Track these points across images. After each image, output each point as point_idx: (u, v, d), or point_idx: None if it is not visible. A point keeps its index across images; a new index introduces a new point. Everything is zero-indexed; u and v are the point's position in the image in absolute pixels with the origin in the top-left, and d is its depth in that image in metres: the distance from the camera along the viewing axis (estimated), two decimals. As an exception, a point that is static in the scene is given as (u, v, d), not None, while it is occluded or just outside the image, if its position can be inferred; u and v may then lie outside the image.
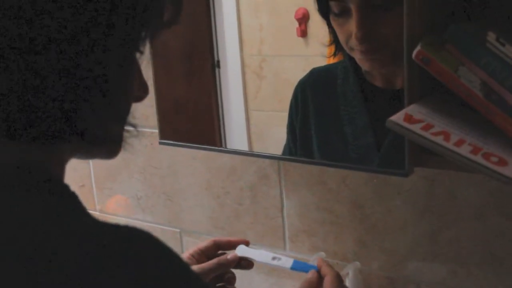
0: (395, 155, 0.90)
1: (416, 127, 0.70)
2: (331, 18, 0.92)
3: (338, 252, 1.11)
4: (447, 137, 0.70)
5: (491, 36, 0.70)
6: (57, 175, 0.51)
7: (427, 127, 0.71)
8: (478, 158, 0.67)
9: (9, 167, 0.47)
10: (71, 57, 0.45)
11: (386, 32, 0.86)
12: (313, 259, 1.05)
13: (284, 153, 1.06)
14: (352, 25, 0.87)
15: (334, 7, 0.90)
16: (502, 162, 0.67)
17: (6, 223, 0.43)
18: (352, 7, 0.86)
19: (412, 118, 0.71)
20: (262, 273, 1.22)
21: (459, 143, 0.69)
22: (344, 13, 0.88)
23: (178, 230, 1.32)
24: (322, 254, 1.06)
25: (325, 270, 0.91)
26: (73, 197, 0.48)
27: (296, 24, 0.99)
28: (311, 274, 0.92)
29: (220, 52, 1.11)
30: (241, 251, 0.99)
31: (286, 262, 0.98)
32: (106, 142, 0.53)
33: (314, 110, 1.02)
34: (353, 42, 0.88)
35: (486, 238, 0.96)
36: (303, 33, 0.99)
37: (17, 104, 0.45)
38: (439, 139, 0.69)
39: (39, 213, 0.45)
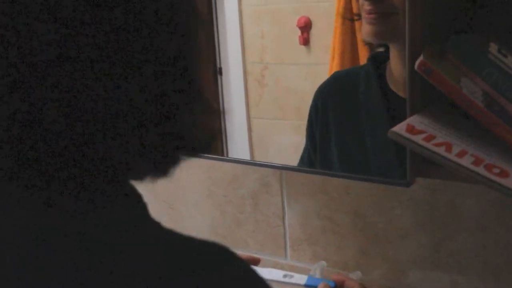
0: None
1: (418, 138, 0.70)
2: None
3: (339, 261, 1.11)
4: (449, 148, 0.70)
5: (493, 47, 0.71)
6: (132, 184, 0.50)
7: (429, 138, 0.71)
8: (480, 170, 0.67)
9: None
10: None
11: (396, 5, 0.83)
12: (315, 268, 1.05)
13: (302, 159, 1.04)
14: None
15: None
16: (504, 174, 0.67)
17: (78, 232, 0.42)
18: None
19: (414, 129, 0.72)
20: None
21: (461, 154, 0.69)
22: None
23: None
24: (323, 263, 1.06)
25: (350, 283, 0.89)
26: (145, 206, 0.48)
27: (298, 32, 0.99)
28: (322, 286, 0.90)
29: (222, 59, 1.11)
30: None
31: (300, 279, 0.96)
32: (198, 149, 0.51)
33: (334, 118, 0.99)
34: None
35: (487, 249, 0.96)
36: (305, 41, 0.99)
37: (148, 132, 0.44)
38: (441, 150, 0.69)
39: (116, 224, 0.44)
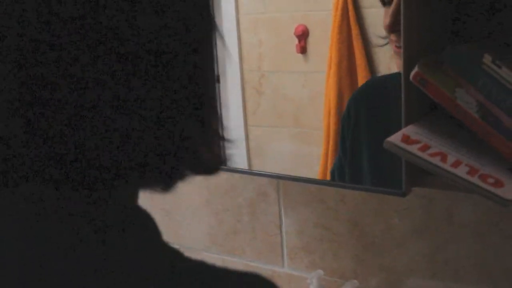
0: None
1: (413, 148, 0.71)
2: (384, 8, 0.89)
3: (336, 270, 1.12)
4: (444, 158, 0.70)
5: (487, 58, 0.71)
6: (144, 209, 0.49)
7: (424, 148, 0.71)
8: (475, 179, 0.68)
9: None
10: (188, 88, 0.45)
11: None
12: (312, 277, 1.05)
13: (334, 166, 1.02)
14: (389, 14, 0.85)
15: None
16: (498, 184, 0.67)
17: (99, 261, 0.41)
18: None
19: (410, 139, 0.72)
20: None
21: (456, 164, 0.70)
22: (389, 2, 0.86)
23: (177, 247, 1.32)
24: (320, 272, 1.06)
25: None
26: (158, 232, 0.47)
27: (296, 41, 1.00)
28: None
29: (220, 67, 1.11)
30: None
31: None
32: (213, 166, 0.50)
33: (366, 126, 0.97)
34: (385, 30, 0.87)
35: (483, 257, 0.97)
36: (303, 50, 1.00)
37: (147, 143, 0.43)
38: (436, 160, 0.70)
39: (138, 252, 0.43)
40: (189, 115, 0.45)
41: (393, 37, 0.87)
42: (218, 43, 0.56)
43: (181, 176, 0.48)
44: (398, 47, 0.86)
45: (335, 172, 1.02)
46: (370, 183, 0.97)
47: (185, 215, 1.30)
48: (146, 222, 0.47)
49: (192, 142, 0.46)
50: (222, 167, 1.13)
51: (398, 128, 0.90)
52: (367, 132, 0.97)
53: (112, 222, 0.43)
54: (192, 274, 0.43)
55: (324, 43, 0.95)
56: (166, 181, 0.47)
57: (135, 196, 0.48)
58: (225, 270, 0.44)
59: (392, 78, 0.93)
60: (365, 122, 0.98)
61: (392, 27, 0.85)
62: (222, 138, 0.50)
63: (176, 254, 0.45)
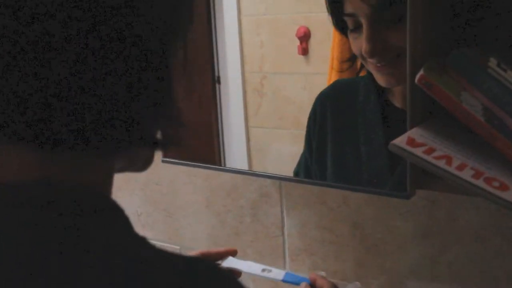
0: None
1: (418, 151, 0.71)
2: (348, 32, 0.91)
3: (338, 272, 1.12)
4: (449, 161, 0.70)
5: (493, 62, 0.71)
6: (110, 194, 0.50)
7: (430, 151, 0.71)
8: (480, 183, 0.68)
9: (67, 188, 0.45)
10: (132, 66, 0.45)
11: (397, 45, 0.85)
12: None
13: (299, 165, 1.05)
14: (363, 39, 0.87)
15: (349, 22, 0.90)
16: (503, 187, 0.67)
17: (63, 249, 0.41)
18: (363, 21, 0.86)
19: (415, 142, 0.72)
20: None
21: (461, 167, 0.70)
22: (357, 28, 0.88)
23: (178, 247, 1.32)
24: (322, 273, 1.06)
25: (321, 281, 0.91)
26: (128, 221, 0.47)
27: (297, 42, 1.00)
28: (303, 286, 0.92)
29: (221, 68, 1.11)
30: (230, 262, 0.99)
31: (278, 274, 0.97)
32: (164, 144, 0.51)
33: (332, 125, 1.00)
34: (364, 54, 0.88)
35: (486, 260, 0.97)
36: (304, 51, 1.00)
37: (75, 114, 0.43)
38: (441, 163, 0.70)
39: (101, 243, 0.43)
40: (143, 95, 0.46)
41: (374, 61, 0.88)
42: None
43: (129, 151, 0.49)
44: (380, 66, 0.88)
45: (299, 173, 1.05)
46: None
47: (187, 216, 1.30)
48: (116, 213, 0.47)
49: (143, 120, 0.47)
50: (224, 167, 1.14)
51: (363, 129, 0.95)
52: (332, 132, 1.00)
53: (80, 210, 0.44)
54: (152, 262, 0.43)
55: (325, 45, 0.95)
56: (110, 153, 0.48)
57: (106, 186, 0.49)
58: (180, 257, 0.45)
59: (359, 80, 0.96)
60: (330, 122, 1.00)
61: (372, 52, 0.86)
62: (174, 122, 0.52)
63: (142, 243, 0.45)
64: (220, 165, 1.16)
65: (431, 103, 0.74)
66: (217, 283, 0.45)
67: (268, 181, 1.15)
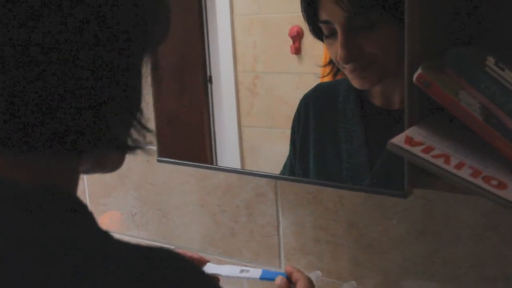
0: (387, 175, 0.92)
1: (417, 150, 0.71)
2: (324, 38, 0.94)
3: (333, 271, 1.12)
4: (447, 159, 0.70)
5: (490, 61, 0.71)
6: (74, 193, 0.51)
7: (428, 150, 0.71)
8: (479, 181, 0.68)
9: (30, 187, 0.46)
10: (92, 66, 0.46)
11: (371, 51, 0.89)
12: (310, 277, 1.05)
13: (285, 166, 1.07)
14: (338, 45, 0.89)
15: (324, 28, 0.92)
16: (502, 186, 0.68)
17: (29, 245, 0.42)
18: (337, 27, 0.89)
19: (413, 141, 0.72)
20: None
21: (459, 166, 0.70)
22: (333, 34, 0.91)
23: (172, 247, 1.32)
24: (318, 273, 1.06)
25: (296, 275, 0.92)
26: (92, 217, 0.48)
27: (290, 42, 1.00)
28: (279, 280, 0.93)
29: (214, 68, 1.11)
30: (209, 268, 1.00)
31: (255, 273, 0.99)
32: (128, 147, 0.53)
33: (314, 125, 1.03)
34: (339, 61, 0.91)
35: (482, 259, 0.97)
36: (297, 51, 1.00)
37: (43, 117, 0.45)
38: (439, 162, 0.70)
39: (65, 238, 0.44)
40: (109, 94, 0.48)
41: (350, 67, 0.91)
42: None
43: (94, 150, 0.50)
44: (354, 70, 0.92)
45: (284, 174, 1.07)
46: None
47: (182, 216, 1.29)
48: (79, 209, 0.48)
49: (107, 120, 0.48)
50: (220, 167, 1.14)
51: (344, 127, 0.99)
52: (314, 133, 1.03)
53: (43, 208, 0.45)
54: (116, 254, 0.45)
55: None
56: (76, 152, 0.49)
57: (70, 185, 0.51)
58: (142, 247, 0.47)
59: (340, 82, 0.99)
60: (313, 123, 1.03)
61: (348, 58, 0.89)
62: (141, 127, 0.53)
63: (105, 237, 0.47)
64: (213, 165, 1.16)
65: (429, 102, 0.74)
66: (178, 270, 0.46)
67: (264, 180, 1.15)
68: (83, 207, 0.48)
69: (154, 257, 0.46)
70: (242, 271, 1.00)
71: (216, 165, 1.16)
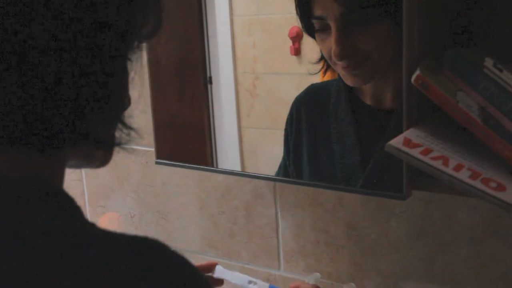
0: (381, 174, 0.91)
1: (415, 152, 0.71)
2: (316, 34, 0.93)
3: (333, 273, 1.11)
4: (446, 161, 0.70)
5: (488, 62, 0.71)
6: (60, 186, 0.52)
7: (426, 152, 0.71)
8: (477, 183, 0.68)
9: (14, 178, 0.47)
10: (73, 64, 0.46)
11: (365, 48, 0.88)
12: (308, 279, 1.05)
13: (279, 167, 1.07)
14: (332, 41, 0.89)
15: (316, 24, 0.92)
16: (500, 188, 0.67)
17: (13, 237, 0.43)
18: (331, 23, 0.88)
19: (411, 142, 0.72)
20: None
21: (458, 167, 0.69)
22: (325, 29, 0.90)
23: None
24: (317, 275, 1.06)
25: (303, 286, 0.93)
26: (78, 209, 0.49)
27: (290, 43, 1.00)
28: None
29: (214, 70, 1.11)
30: (219, 271, 1.00)
31: (262, 286, 1.00)
32: (108, 144, 0.54)
33: (306, 126, 1.02)
34: (333, 57, 0.90)
35: (481, 261, 0.97)
36: (297, 52, 1.00)
37: (23, 111, 0.45)
38: (438, 164, 0.69)
39: (49, 227, 0.45)
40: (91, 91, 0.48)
41: (343, 63, 0.91)
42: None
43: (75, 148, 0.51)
44: (347, 67, 0.91)
45: (279, 176, 1.07)
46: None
47: (180, 218, 1.29)
48: (65, 201, 0.49)
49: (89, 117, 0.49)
50: (218, 169, 1.13)
51: (336, 128, 0.99)
52: (307, 134, 1.03)
53: (27, 200, 0.46)
54: (101, 244, 0.46)
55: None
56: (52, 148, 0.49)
57: (56, 178, 0.51)
58: (118, 235, 0.47)
59: (331, 83, 0.99)
60: (305, 125, 1.03)
61: (342, 54, 0.89)
62: (123, 124, 0.54)
63: (91, 228, 0.47)
64: (213, 167, 1.16)
65: (427, 103, 0.74)
66: (165, 258, 0.47)
67: (262, 182, 1.14)
68: (68, 198, 0.49)
69: (139, 246, 0.46)
70: (250, 282, 1.00)
71: (217, 167, 1.15)
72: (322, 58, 0.95)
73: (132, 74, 0.55)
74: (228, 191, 1.20)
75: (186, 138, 1.20)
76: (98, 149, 0.53)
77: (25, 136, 0.46)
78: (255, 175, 1.09)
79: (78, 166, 0.57)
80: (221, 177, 1.20)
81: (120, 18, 0.49)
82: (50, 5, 0.45)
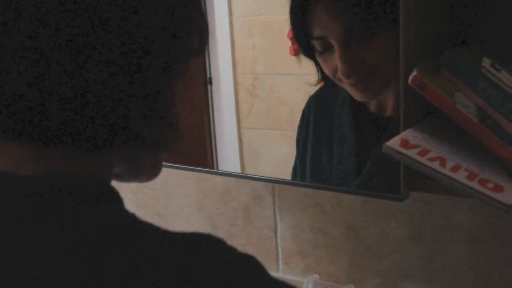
0: (378, 176, 0.91)
1: (412, 153, 0.70)
2: (316, 55, 0.92)
3: (332, 275, 1.11)
4: (443, 162, 0.70)
5: (486, 62, 0.71)
6: (107, 182, 0.53)
7: (424, 153, 0.71)
8: (475, 184, 0.67)
9: (71, 176, 0.47)
10: (124, 66, 0.47)
11: (371, 62, 0.86)
12: (308, 281, 1.05)
13: (293, 169, 1.06)
14: (336, 59, 0.87)
15: (317, 45, 0.90)
16: (498, 188, 0.67)
17: (72, 234, 0.43)
18: (334, 42, 0.87)
19: (408, 144, 0.71)
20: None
21: (455, 168, 0.69)
22: (327, 49, 0.89)
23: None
24: (316, 276, 1.05)
25: None
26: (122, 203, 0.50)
27: (289, 43, 0.99)
28: None
29: (213, 70, 1.11)
30: None
31: None
32: (156, 146, 0.54)
33: (313, 128, 1.02)
34: (340, 76, 0.89)
35: (480, 262, 0.96)
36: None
37: (74, 112, 0.46)
38: (435, 165, 0.69)
39: (108, 225, 0.45)
40: (137, 97, 0.49)
41: (350, 81, 0.89)
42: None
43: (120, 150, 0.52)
44: (354, 84, 0.90)
45: (295, 174, 1.06)
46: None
47: (179, 220, 1.29)
48: (112, 196, 0.50)
49: (133, 122, 0.50)
50: (216, 170, 1.13)
51: (338, 132, 0.98)
52: (312, 135, 1.02)
53: (77, 196, 0.47)
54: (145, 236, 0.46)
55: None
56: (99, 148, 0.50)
57: (104, 176, 0.52)
58: (172, 233, 0.48)
59: (340, 87, 0.96)
60: (312, 125, 1.02)
61: (350, 72, 0.87)
62: (170, 126, 0.56)
63: (134, 220, 0.48)
64: (213, 168, 1.15)
65: (424, 104, 0.74)
66: (218, 255, 0.47)
67: (261, 183, 1.14)
68: (114, 192, 0.50)
69: (190, 242, 0.47)
70: None
71: (217, 168, 1.15)
72: (322, 79, 0.95)
73: (180, 80, 0.56)
74: (226, 192, 1.20)
75: (186, 139, 1.19)
76: (146, 150, 0.54)
77: (77, 135, 0.47)
78: (253, 177, 1.09)
79: (128, 178, 0.58)
80: (219, 178, 1.19)
81: (176, 21, 0.50)
82: (102, 11, 0.45)
